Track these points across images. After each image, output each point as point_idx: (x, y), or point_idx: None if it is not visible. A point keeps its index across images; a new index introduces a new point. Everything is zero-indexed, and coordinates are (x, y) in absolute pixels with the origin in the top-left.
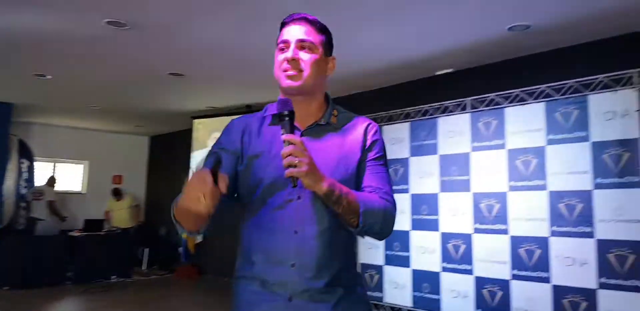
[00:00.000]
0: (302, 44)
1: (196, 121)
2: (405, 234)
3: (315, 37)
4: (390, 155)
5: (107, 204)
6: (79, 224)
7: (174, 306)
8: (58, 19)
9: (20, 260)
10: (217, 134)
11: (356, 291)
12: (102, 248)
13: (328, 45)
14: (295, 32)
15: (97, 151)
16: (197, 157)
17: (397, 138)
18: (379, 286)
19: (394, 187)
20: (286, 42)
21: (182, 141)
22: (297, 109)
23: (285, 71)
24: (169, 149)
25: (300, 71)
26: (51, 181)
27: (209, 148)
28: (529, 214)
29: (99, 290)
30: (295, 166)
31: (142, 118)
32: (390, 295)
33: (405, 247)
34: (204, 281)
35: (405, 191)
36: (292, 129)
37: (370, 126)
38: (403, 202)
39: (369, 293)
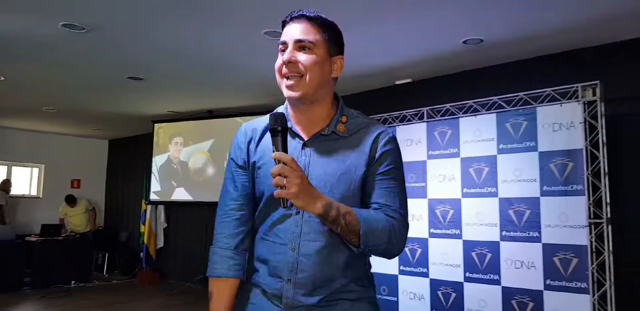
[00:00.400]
0: (300, 45)
1: (157, 125)
2: None
3: (316, 36)
4: None
5: (61, 211)
6: (36, 229)
7: (134, 309)
8: (12, 20)
9: None
10: (179, 139)
11: (364, 306)
12: (61, 253)
13: (333, 44)
14: (293, 31)
15: (54, 155)
16: (159, 161)
17: None
18: None
19: None
20: (284, 44)
21: (142, 145)
22: (302, 116)
23: (284, 75)
24: (129, 153)
25: (301, 75)
26: (5, 185)
27: (170, 152)
28: (480, 219)
29: (58, 295)
30: (285, 187)
31: (100, 122)
32: None
33: None
34: (166, 285)
35: None
36: (284, 146)
37: (382, 135)
38: None
39: None
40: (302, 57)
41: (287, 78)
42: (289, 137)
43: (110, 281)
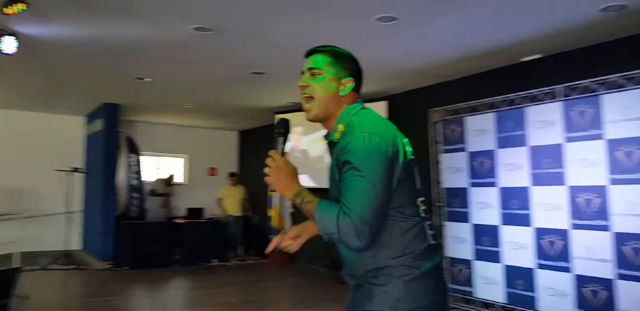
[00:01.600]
0: (312, 72)
1: (278, 116)
2: (494, 229)
3: (324, 64)
4: (475, 147)
5: (221, 192)
6: (182, 212)
7: (268, 287)
8: (152, 27)
9: (135, 244)
10: (299, 129)
11: (374, 291)
12: (203, 234)
13: (340, 67)
14: (307, 62)
15: (194, 146)
16: None
17: (481, 130)
18: (469, 281)
19: (480, 180)
20: (302, 73)
21: (267, 135)
22: (326, 129)
23: (302, 97)
24: (256, 143)
25: (312, 97)
26: (170, 178)
27: (292, 141)
28: (634, 209)
29: (203, 272)
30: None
31: (230, 114)
32: (482, 290)
33: (495, 242)
34: (295, 267)
35: (493, 184)
36: (283, 145)
37: (346, 137)
38: (491, 196)
39: (458, 287)
40: (313, 82)
41: (304, 99)
42: None
43: (245, 261)
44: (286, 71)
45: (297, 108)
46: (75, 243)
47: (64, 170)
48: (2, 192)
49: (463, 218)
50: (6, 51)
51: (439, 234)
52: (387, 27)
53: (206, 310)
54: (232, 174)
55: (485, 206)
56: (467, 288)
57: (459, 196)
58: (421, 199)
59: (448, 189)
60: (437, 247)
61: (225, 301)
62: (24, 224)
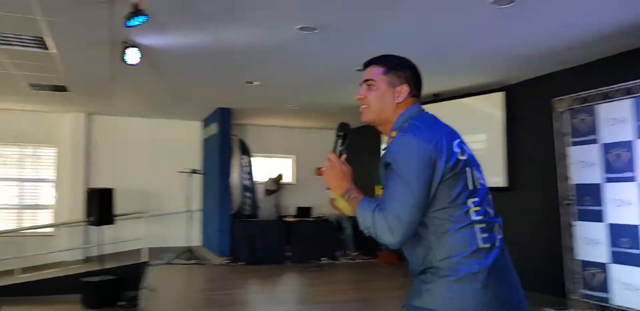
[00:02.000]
0: (367, 83)
1: None
2: (635, 229)
3: (377, 75)
4: (609, 138)
5: (330, 192)
6: (292, 211)
7: (377, 287)
8: (259, 30)
9: (249, 241)
10: None
11: (421, 288)
12: (312, 232)
13: (394, 76)
14: (364, 74)
15: (301, 146)
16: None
17: (616, 118)
18: (604, 287)
19: (617, 175)
20: (361, 84)
21: (371, 134)
22: (384, 133)
23: (361, 107)
24: (360, 142)
25: (368, 107)
26: (279, 177)
27: None
28: None
29: (314, 269)
30: None
31: (334, 114)
32: (621, 297)
33: (637, 244)
34: (404, 267)
35: (631, 179)
36: (341, 146)
37: (386, 149)
38: (629, 192)
39: (591, 292)
40: (368, 94)
41: (362, 109)
42: None
43: (354, 260)
44: None
45: None
46: (196, 239)
47: (185, 172)
48: (132, 193)
49: (596, 217)
50: (130, 62)
51: (495, 236)
52: (504, 11)
53: (318, 307)
54: None
55: (623, 204)
56: (602, 294)
57: (591, 192)
58: (473, 200)
59: (578, 185)
60: (491, 250)
61: (336, 299)
62: (150, 222)
